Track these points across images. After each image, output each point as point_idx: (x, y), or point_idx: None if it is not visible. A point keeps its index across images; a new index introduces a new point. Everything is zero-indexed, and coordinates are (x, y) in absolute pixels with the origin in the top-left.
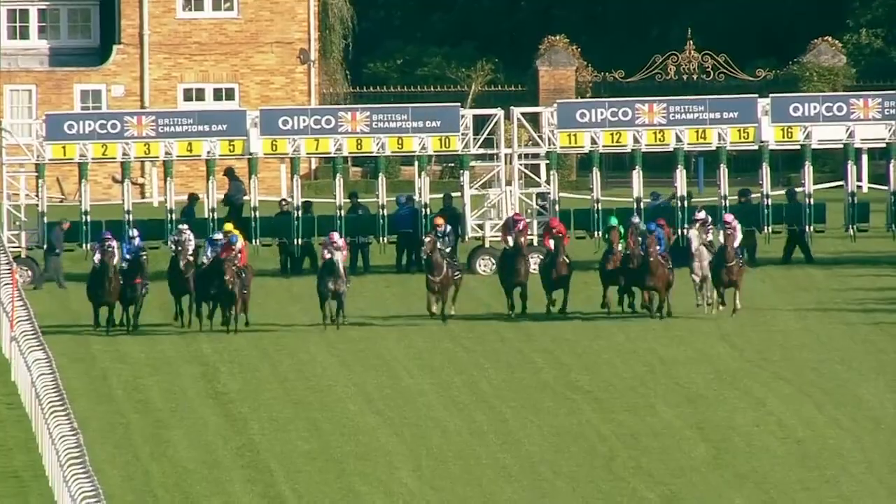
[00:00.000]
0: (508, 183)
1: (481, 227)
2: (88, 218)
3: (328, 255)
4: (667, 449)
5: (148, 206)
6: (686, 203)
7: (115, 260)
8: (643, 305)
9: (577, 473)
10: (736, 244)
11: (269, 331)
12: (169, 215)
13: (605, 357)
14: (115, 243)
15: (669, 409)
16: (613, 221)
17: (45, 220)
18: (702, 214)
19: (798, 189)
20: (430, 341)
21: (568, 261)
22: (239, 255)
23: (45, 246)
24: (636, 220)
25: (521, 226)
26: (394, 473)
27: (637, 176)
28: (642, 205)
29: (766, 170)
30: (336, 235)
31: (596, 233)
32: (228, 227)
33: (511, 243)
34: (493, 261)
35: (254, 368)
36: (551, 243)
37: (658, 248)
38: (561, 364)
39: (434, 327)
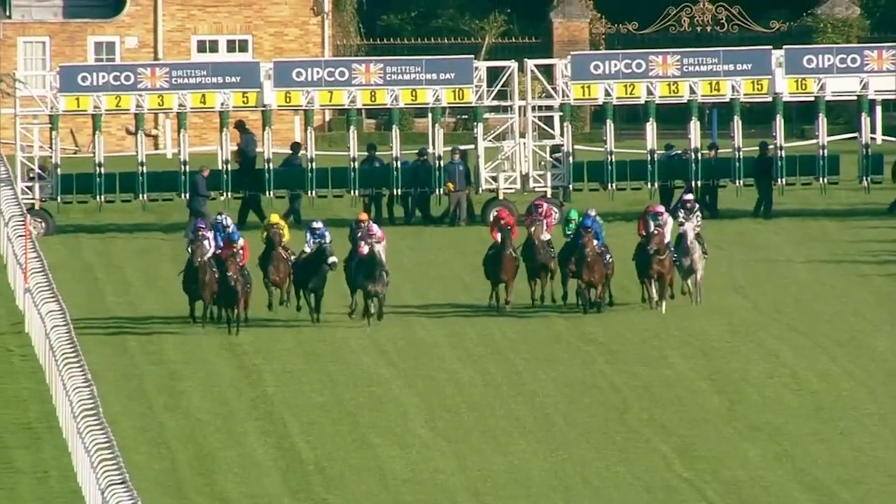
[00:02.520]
0: (522, 135)
1: (495, 179)
2: (102, 170)
3: (366, 249)
4: (680, 400)
5: (161, 157)
6: (702, 156)
7: (208, 253)
8: (579, 297)
9: (591, 424)
10: (666, 240)
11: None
12: (182, 167)
13: (618, 308)
14: (210, 234)
15: (683, 360)
16: (573, 215)
17: (59, 171)
18: (689, 196)
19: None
20: (444, 293)
21: (515, 255)
22: (241, 252)
23: (187, 195)
24: (592, 212)
25: (542, 211)
26: (407, 425)
27: (651, 128)
28: (656, 157)
29: (779, 122)
30: (375, 227)
31: (610, 185)
32: (275, 218)
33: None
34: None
35: (267, 321)
36: (498, 236)
37: (596, 242)
38: (574, 315)
39: (448, 277)
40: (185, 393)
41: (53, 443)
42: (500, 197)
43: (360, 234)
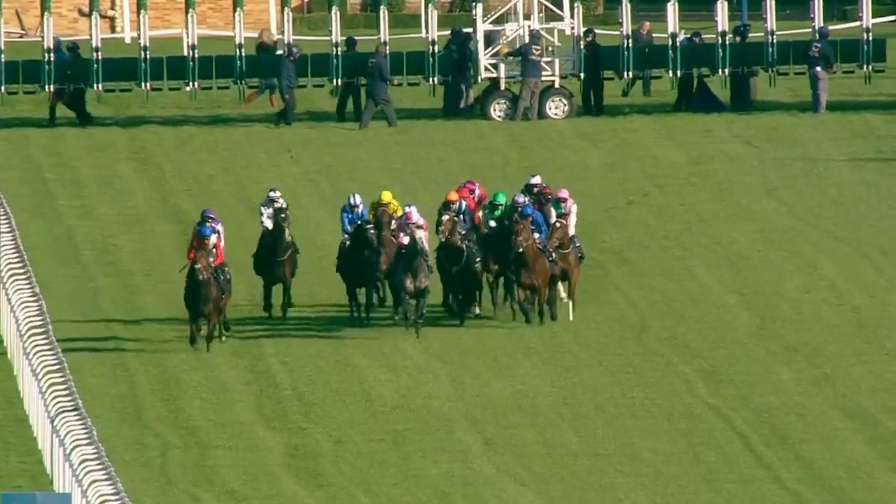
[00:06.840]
0: (527, 17)
1: (495, 66)
2: (51, 56)
3: (406, 240)
4: (705, 318)
5: (119, 42)
6: (730, 41)
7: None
8: (519, 304)
9: (605, 345)
10: (571, 231)
11: (255, 179)
12: (142, 53)
13: (636, 213)
14: (218, 225)
15: (708, 272)
16: (501, 199)
17: (3, 57)
18: (536, 179)
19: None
20: (437, 195)
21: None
22: (214, 250)
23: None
24: (520, 199)
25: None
26: (397, 345)
27: (672, 9)
28: (678, 42)
29: (818, 1)
30: (414, 213)
31: (626, 73)
32: (387, 196)
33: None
34: (509, 103)
35: (238, 226)
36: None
37: (537, 235)
38: (586, 221)
39: (442, 178)
40: (145, 308)
41: None
42: (502, 87)
43: (398, 224)
